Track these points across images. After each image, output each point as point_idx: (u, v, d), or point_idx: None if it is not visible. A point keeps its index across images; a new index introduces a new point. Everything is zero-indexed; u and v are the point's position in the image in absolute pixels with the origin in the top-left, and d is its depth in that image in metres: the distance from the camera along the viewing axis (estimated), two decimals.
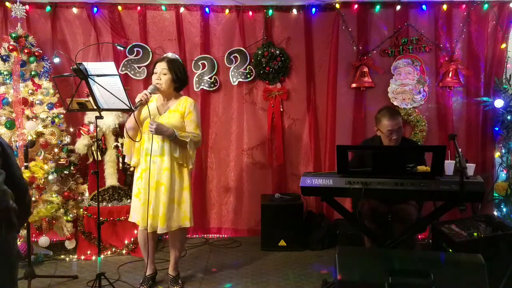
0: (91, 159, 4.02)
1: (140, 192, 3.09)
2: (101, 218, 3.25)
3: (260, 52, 4.33)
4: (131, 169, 3.37)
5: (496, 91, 4.31)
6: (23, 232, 3.59)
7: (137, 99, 2.92)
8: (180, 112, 3.09)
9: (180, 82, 3.12)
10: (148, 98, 2.95)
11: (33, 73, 3.83)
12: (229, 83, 4.43)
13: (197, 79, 4.40)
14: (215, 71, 4.39)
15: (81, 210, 3.91)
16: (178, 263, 3.33)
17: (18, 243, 3.66)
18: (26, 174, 3.39)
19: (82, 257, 3.89)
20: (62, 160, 3.87)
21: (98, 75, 2.62)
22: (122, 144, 4.01)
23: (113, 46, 4.29)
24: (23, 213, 1.87)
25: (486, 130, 4.42)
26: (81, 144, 3.93)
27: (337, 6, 4.32)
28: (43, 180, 3.64)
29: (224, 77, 4.43)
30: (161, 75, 3.03)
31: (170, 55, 4.31)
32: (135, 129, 3.03)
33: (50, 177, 3.71)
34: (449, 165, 2.78)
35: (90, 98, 2.86)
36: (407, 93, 4.38)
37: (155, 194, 3.03)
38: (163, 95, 3.12)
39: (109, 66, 2.62)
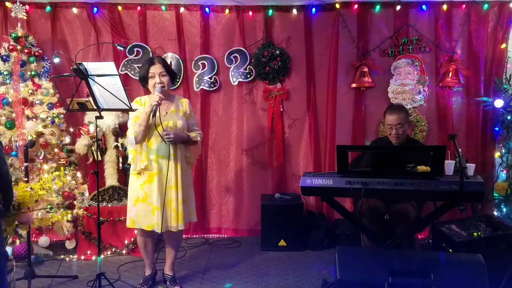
0: (91, 159, 4.02)
1: (148, 196, 3.04)
2: (101, 218, 3.25)
3: (260, 52, 4.33)
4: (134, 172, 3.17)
5: (496, 91, 4.31)
6: (23, 232, 3.58)
7: (153, 103, 2.88)
8: (182, 112, 3.15)
9: (174, 80, 3.22)
10: (162, 99, 2.95)
11: (33, 73, 3.83)
12: (229, 83, 4.43)
13: (197, 79, 4.40)
14: (215, 71, 4.39)
15: (81, 210, 3.91)
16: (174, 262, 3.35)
17: (17, 243, 3.67)
18: (58, 185, 3.41)
19: (82, 257, 3.89)
20: (62, 160, 3.86)
21: (98, 75, 2.62)
22: (122, 144, 4.01)
23: (113, 46, 4.29)
24: (4, 208, 1.85)
25: (486, 130, 4.41)
26: (81, 144, 3.94)
27: (337, 6, 4.32)
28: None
29: (224, 77, 4.43)
30: (161, 77, 3.02)
31: (170, 55, 4.36)
32: (144, 134, 3.00)
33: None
34: (449, 165, 2.78)
35: (90, 98, 2.86)
36: (407, 93, 4.38)
37: (176, 194, 3.05)
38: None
39: (109, 66, 2.62)
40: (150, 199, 3.04)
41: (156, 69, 3.02)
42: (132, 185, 3.13)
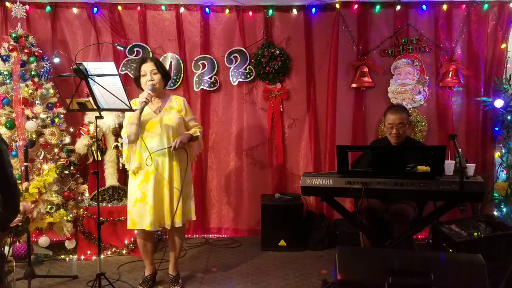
0: (91, 159, 4.02)
1: (146, 195, 3.04)
2: (101, 218, 3.24)
3: (260, 52, 4.33)
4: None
5: (496, 91, 4.31)
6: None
7: (141, 99, 2.93)
8: (176, 109, 3.15)
9: (167, 80, 3.21)
10: (152, 97, 2.98)
11: (33, 73, 3.83)
12: (229, 83, 4.43)
13: (197, 79, 4.40)
14: (215, 71, 4.39)
15: (81, 210, 3.91)
16: (178, 262, 3.34)
17: (18, 243, 3.67)
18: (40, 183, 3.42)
19: (82, 257, 3.89)
20: (62, 160, 3.86)
21: (98, 75, 2.62)
22: (122, 145, 4.01)
23: (113, 46, 4.29)
24: (12, 211, 1.85)
25: (486, 130, 4.41)
26: (81, 144, 3.93)
27: (337, 6, 4.32)
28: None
29: (224, 77, 4.43)
30: (152, 75, 3.05)
31: (170, 55, 4.36)
32: (137, 133, 3.00)
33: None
34: (449, 165, 2.78)
35: (90, 98, 2.86)
36: (407, 93, 4.38)
37: (169, 192, 3.05)
38: (154, 94, 3.10)
39: (109, 66, 2.62)
40: (148, 198, 3.05)
41: (147, 67, 3.05)
42: (130, 186, 3.15)
